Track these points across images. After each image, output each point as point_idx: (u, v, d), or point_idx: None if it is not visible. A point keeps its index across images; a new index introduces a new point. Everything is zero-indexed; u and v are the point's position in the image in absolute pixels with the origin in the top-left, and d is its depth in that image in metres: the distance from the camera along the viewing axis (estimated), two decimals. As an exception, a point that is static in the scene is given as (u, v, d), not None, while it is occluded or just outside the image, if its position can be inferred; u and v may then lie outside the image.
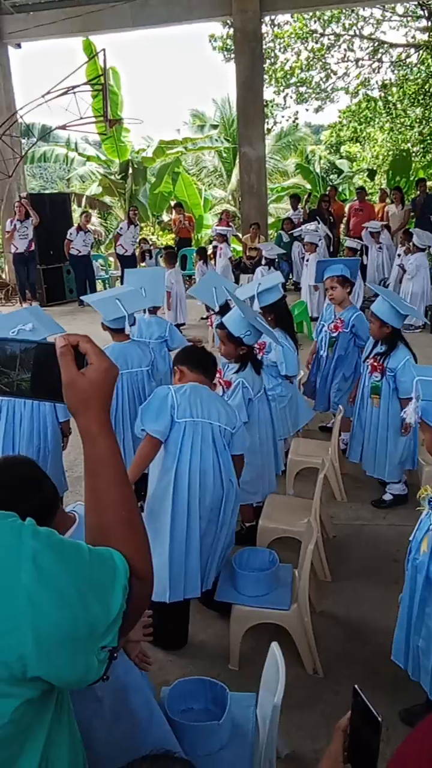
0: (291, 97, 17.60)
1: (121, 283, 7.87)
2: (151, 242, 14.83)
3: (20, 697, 0.83)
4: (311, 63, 17.10)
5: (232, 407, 3.04)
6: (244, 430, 3.07)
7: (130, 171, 17.07)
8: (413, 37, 17.10)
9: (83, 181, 19.02)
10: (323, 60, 17.20)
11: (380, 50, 17.41)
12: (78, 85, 12.13)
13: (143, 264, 12.39)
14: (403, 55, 17.54)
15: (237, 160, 14.77)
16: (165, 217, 18.44)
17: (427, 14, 16.12)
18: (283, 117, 18.95)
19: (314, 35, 16.60)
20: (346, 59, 17.44)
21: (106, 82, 12.24)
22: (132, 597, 0.95)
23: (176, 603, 2.80)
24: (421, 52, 16.96)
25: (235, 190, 18.14)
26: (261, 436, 3.65)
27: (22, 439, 3.47)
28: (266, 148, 13.86)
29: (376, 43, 17.25)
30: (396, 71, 17.88)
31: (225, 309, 4.89)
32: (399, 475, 4.21)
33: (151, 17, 12.37)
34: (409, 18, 16.85)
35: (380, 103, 18.32)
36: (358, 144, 20.96)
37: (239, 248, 13.70)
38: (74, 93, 11.98)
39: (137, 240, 12.61)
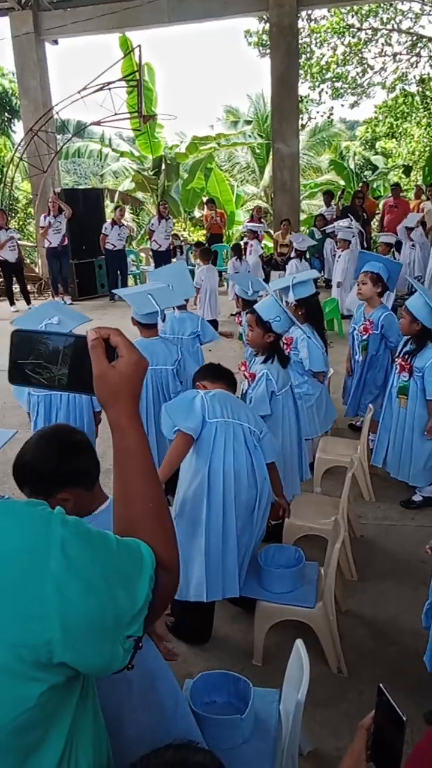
0: (326, 93, 17.46)
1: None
2: (182, 238, 14.86)
3: (46, 682, 0.85)
4: (348, 58, 16.91)
5: (258, 415, 3.02)
6: (272, 437, 3.05)
7: (163, 167, 17.11)
8: (453, 31, 16.79)
9: (116, 177, 19.13)
10: (360, 55, 16.99)
11: (419, 44, 17.13)
12: (113, 81, 12.23)
13: (174, 260, 12.41)
14: (442, 50, 17.23)
15: (270, 156, 14.71)
16: (197, 213, 18.45)
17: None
18: (317, 112, 18.82)
19: (351, 30, 16.41)
20: (383, 54, 17.21)
21: (141, 78, 12.31)
22: (158, 588, 0.96)
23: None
24: (460, 46, 16.66)
25: (267, 187, 18.06)
26: (284, 434, 3.58)
27: None
28: (300, 144, 13.74)
29: (415, 38, 16.97)
30: (434, 66, 17.56)
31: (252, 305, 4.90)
32: (426, 479, 4.11)
33: (188, 13, 12.36)
34: (449, 12, 16.53)
35: (417, 98, 18.04)
36: (393, 140, 20.68)
37: (270, 245, 13.64)
38: (109, 89, 12.08)
39: (170, 234, 12.60)
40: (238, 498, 2.76)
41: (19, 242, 12.03)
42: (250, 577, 2.88)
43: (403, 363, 4.04)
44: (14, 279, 11.76)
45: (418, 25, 16.62)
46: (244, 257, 10.40)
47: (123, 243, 12.15)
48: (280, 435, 3.55)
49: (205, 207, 14.53)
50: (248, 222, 12.75)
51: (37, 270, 14.31)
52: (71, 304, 11.89)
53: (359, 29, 16.49)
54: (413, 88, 18.07)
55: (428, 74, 17.64)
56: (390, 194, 13.07)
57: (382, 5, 15.65)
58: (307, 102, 17.31)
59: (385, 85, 17.91)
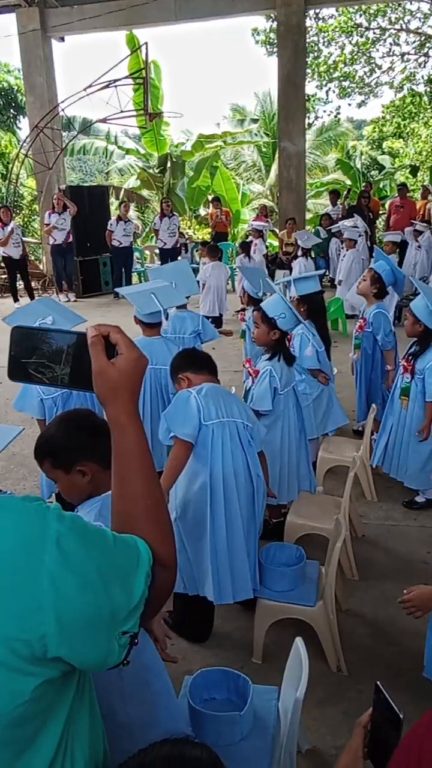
0: (333, 92, 17.38)
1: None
2: (187, 236, 14.84)
3: (41, 677, 0.85)
4: (355, 57, 16.84)
5: (248, 406, 2.99)
6: (260, 426, 3.03)
7: (169, 165, 17.12)
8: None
9: (122, 175, 19.14)
10: (368, 54, 16.94)
11: (427, 44, 17.06)
12: (119, 79, 12.23)
13: (180, 258, 12.40)
14: (451, 50, 17.16)
15: (276, 155, 14.68)
16: (202, 212, 18.44)
17: None
18: (324, 112, 18.78)
19: (359, 29, 16.36)
20: (391, 53, 17.15)
21: (148, 75, 12.30)
22: (155, 585, 0.96)
23: (201, 596, 2.81)
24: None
25: (273, 185, 18.04)
26: (284, 433, 3.55)
27: None
28: (306, 143, 13.73)
29: (423, 38, 16.90)
30: (443, 66, 17.54)
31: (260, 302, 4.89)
32: (422, 483, 4.07)
33: (195, 11, 12.35)
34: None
35: (425, 98, 17.98)
36: (401, 140, 20.61)
37: (275, 243, 13.62)
38: (115, 86, 12.08)
39: (176, 231, 12.57)
40: (240, 498, 2.76)
41: (23, 239, 12.05)
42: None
43: (405, 364, 4.04)
44: (18, 276, 11.77)
45: (427, 25, 16.56)
46: (252, 254, 10.40)
47: (129, 239, 12.05)
48: (279, 434, 3.54)
49: (211, 205, 14.51)
50: (253, 221, 12.73)
51: (41, 267, 14.34)
52: (75, 301, 11.92)
53: (367, 28, 16.43)
54: (421, 88, 17.99)
55: (436, 74, 17.59)
56: (396, 194, 13.04)
57: (390, 5, 15.60)
58: (314, 101, 17.26)
59: (392, 84, 17.84)
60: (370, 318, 4.72)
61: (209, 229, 15.10)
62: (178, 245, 12.66)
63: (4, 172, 17.09)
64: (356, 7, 15.40)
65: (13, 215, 12.30)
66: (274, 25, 13.94)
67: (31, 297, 11.74)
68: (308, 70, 14.98)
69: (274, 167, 17.05)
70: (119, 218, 12.00)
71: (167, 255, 12.20)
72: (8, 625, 0.81)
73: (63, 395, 3.42)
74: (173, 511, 2.80)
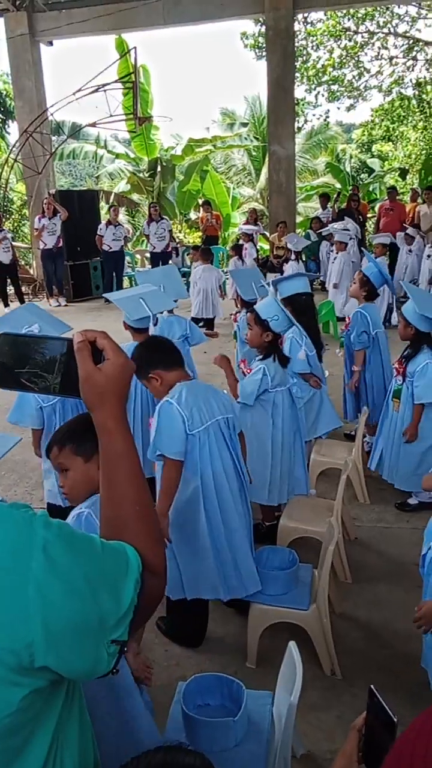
0: (322, 96, 17.45)
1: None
2: (177, 240, 14.84)
3: (28, 687, 0.83)
4: (344, 61, 16.93)
5: (225, 396, 2.93)
6: (237, 407, 3.02)
7: (159, 169, 17.13)
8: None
9: (112, 179, 19.14)
10: (356, 58, 17.03)
11: (415, 48, 17.17)
12: (109, 83, 12.23)
13: (170, 262, 12.39)
14: (439, 53, 17.27)
15: (266, 159, 14.72)
16: (192, 216, 18.46)
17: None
18: (314, 115, 18.82)
19: (347, 33, 16.45)
20: (379, 57, 17.25)
21: (137, 79, 12.31)
22: (144, 591, 0.95)
23: (196, 601, 2.80)
24: (457, 49, 16.70)
25: (263, 189, 18.08)
26: (275, 434, 3.54)
27: None
28: (296, 147, 13.77)
29: (411, 41, 17.01)
30: (431, 69, 17.62)
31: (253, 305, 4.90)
32: (413, 485, 4.04)
33: (184, 15, 12.37)
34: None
35: (414, 102, 18.09)
36: (390, 143, 20.73)
37: (266, 247, 13.65)
38: (105, 91, 12.08)
39: (165, 235, 12.55)
40: (232, 493, 2.77)
41: (13, 243, 12.01)
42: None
43: (398, 367, 4.06)
44: (8, 280, 11.73)
45: (415, 28, 16.66)
46: (243, 258, 10.43)
47: (120, 244, 11.97)
48: (271, 433, 3.53)
49: (201, 209, 14.52)
50: (243, 225, 12.74)
51: (31, 272, 14.30)
52: (66, 305, 11.88)
53: (355, 32, 16.52)
54: (409, 92, 18.12)
55: (424, 78, 17.70)
56: (386, 197, 13.11)
57: (378, 9, 15.69)
58: (303, 105, 17.33)
59: (381, 88, 17.95)
60: (351, 318, 4.86)
61: (200, 233, 15.11)
62: (169, 249, 12.64)
63: (-6, 177, 17.04)
64: (344, 11, 15.48)
65: (3, 220, 12.27)
66: (263, 29, 13.99)
67: (22, 302, 11.71)
68: (297, 74, 15.04)
69: (264, 171, 17.10)
70: (109, 222, 11.97)
71: (158, 259, 12.18)
72: None
73: (62, 402, 3.41)
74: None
